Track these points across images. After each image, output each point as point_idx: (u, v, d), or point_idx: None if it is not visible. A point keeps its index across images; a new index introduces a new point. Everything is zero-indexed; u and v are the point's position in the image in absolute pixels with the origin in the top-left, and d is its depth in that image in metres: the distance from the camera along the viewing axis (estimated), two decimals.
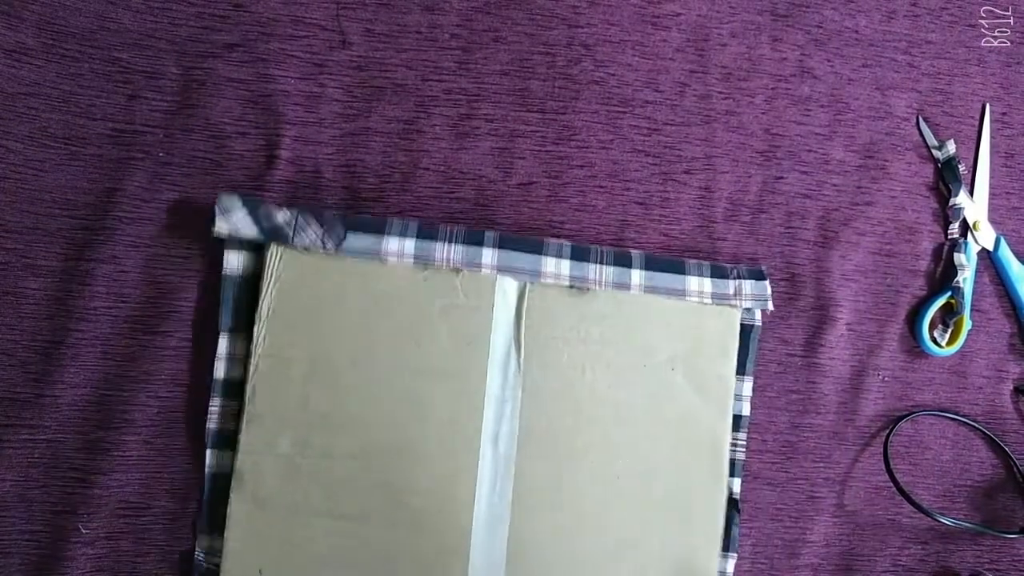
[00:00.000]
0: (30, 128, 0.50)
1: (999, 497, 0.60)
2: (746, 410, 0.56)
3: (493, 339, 0.52)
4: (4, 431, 0.49)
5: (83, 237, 0.50)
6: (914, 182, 0.61)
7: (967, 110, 0.62)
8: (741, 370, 0.55)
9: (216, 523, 0.49)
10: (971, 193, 0.61)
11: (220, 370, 0.50)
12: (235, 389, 0.50)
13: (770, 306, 0.55)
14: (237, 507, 0.49)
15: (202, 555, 0.50)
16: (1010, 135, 0.63)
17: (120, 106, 0.51)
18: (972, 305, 0.60)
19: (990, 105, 0.62)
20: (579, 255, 0.53)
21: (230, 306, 0.50)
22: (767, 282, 0.55)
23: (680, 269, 0.54)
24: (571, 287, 0.53)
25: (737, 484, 0.55)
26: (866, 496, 0.58)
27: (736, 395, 0.55)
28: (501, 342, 0.52)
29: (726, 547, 0.54)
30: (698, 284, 0.54)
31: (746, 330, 0.55)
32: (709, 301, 0.54)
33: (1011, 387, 0.62)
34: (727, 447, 0.54)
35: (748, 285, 0.54)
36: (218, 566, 0.49)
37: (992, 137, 0.62)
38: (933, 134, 0.61)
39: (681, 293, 0.53)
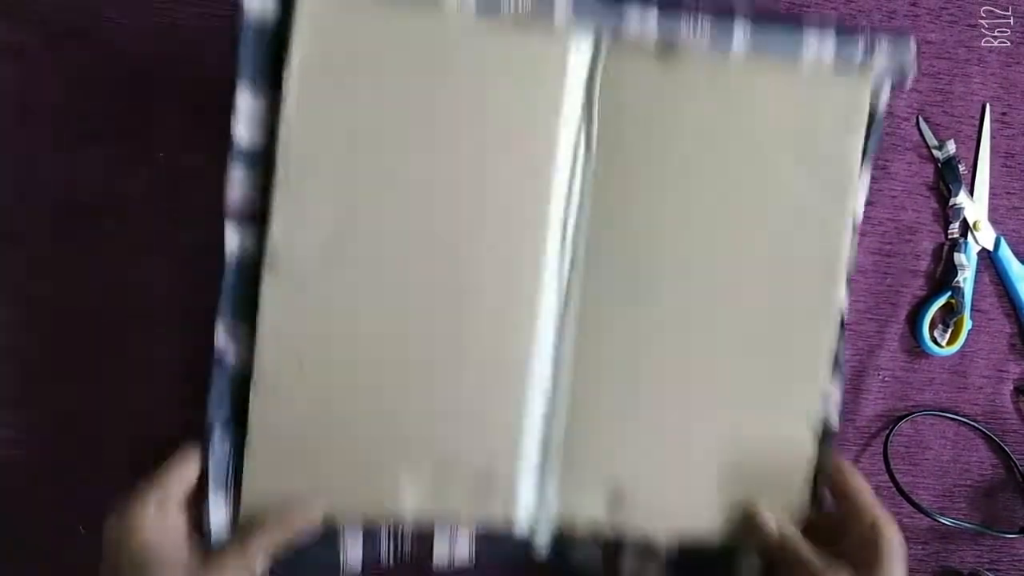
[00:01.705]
0: (30, 128, 0.50)
1: (999, 497, 0.60)
2: (860, 209, 0.47)
3: (563, 110, 0.44)
4: (3, 431, 0.49)
5: (83, 237, 0.50)
6: (914, 182, 0.61)
7: (967, 110, 0.62)
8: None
9: (241, 314, 0.42)
10: (971, 193, 0.61)
11: (242, 133, 0.42)
12: (259, 157, 0.42)
13: (914, 72, 0.45)
14: (271, 291, 0.42)
15: (228, 351, 0.43)
16: (1010, 135, 0.63)
17: (120, 106, 0.51)
18: (972, 305, 0.60)
19: (990, 105, 0.62)
20: (668, 5, 0.43)
21: (251, 56, 0.41)
22: (911, 39, 0.45)
23: (796, 26, 0.44)
24: (658, 50, 0.44)
25: (845, 299, 0.48)
26: None
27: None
28: (571, 118, 0.44)
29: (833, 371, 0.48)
30: (818, 46, 0.44)
31: (871, 112, 0.46)
32: (831, 65, 0.45)
33: (1011, 387, 0.61)
34: (844, 250, 0.46)
35: (885, 45, 0.45)
36: (246, 363, 0.42)
37: (992, 137, 0.62)
38: (933, 134, 0.61)
39: (796, 56, 0.44)
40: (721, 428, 0.46)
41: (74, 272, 0.50)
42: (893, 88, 0.46)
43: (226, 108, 0.52)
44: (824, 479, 0.47)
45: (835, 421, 0.48)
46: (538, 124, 0.44)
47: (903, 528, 0.58)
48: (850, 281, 0.47)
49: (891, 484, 0.57)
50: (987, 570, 0.59)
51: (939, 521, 0.57)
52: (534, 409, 0.45)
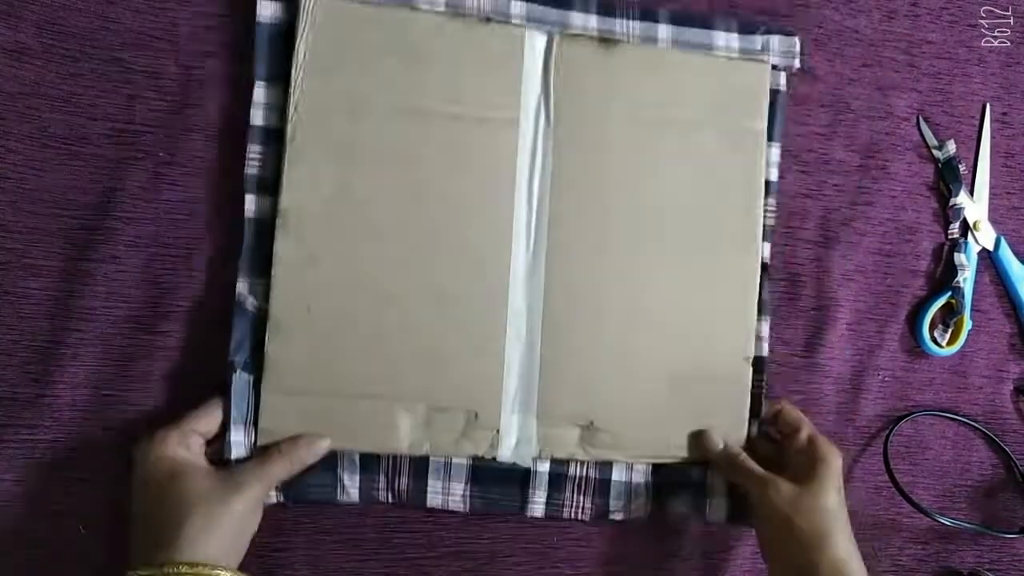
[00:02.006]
0: (30, 128, 0.50)
1: (999, 497, 0.61)
2: (774, 176, 0.56)
3: (523, 90, 0.52)
4: (4, 431, 0.49)
5: (83, 237, 0.50)
6: (914, 182, 0.61)
7: (967, 110, 0.62)
8: (769, 136, 0.56)
9: (258, 268, 0.50)
10: (971, 193, 0.61)
11: (258, 117, 0.50)
12: (273, 136, 0.50)
13: (797, 63, 0.57)
14: (283, 246, 0.49)
15: (248, 300, 0.49)
16: (1010, 135, 0.63)
17: (120, 106, 0.51)
18: (972, 305, 0.60)
19: (990, 105, 0.62)
20: (606, 10, 0.54)
21: (265, 54, 0.50)
22: (796, 39, 0.57)
23: (708, 23, 0.55)
24: (599, 40, 0.53)
25: (767, 250, 0.56)
26: (866, 496, 0.58)
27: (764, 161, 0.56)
28: (531, 94, 0.53)
29: (760, 310, 0.55)
30: (725, 39, 0.55)
31: (772, 96, 0.56)
32: (736, 56, 0.55)
33: (1011, 387, 0.62)
34: (760, 204, 0.55)
35: (776, 41, 0.56)
36: (263, 309, 0.49)
37: (992, 137, 0.62)
38: (933, 134, 0.61)
39: (709, 48, 0.55)
40: (671, 366, 0.53)
41: (74, 271, 0.50)
42: (796, 74, 0.58)
43: (225, 108, 0.52)
44: (764, 406, 0.55)
45: (766, 354, 0.56)
46: (504, 99, 0.52)
47: (903, 528, 0.59)
48: (769, 236, 0.56)
49: (891, 484, 0.57)
50: (987, 570, 0.59)
51: (939, 521, 0.57)
52: (513, 357, 0.52)
